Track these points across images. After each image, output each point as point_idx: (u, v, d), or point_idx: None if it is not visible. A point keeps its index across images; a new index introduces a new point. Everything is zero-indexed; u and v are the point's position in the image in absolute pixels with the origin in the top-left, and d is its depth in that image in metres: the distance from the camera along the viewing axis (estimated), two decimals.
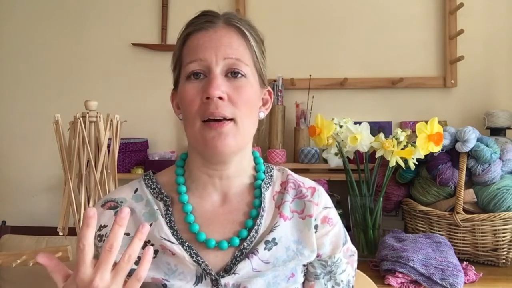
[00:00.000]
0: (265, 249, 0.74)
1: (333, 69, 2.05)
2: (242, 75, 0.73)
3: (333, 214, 0.83)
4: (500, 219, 1.48)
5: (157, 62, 2.08)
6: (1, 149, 2.22)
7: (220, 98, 0.70)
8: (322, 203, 0.81)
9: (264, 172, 0.82)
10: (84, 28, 2.17)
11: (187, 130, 0.75)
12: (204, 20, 0.74)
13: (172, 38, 2.07)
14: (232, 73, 0.72)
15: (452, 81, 2.00)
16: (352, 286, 0.86)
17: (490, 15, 2.02)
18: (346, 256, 0.84)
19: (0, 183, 2.22)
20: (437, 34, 2.03)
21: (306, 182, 0.84)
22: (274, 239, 0.75)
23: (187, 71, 0.73)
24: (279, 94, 1.97)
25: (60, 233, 1.55)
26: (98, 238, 0.76)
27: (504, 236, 1.50)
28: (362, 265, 1.43)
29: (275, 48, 2.01)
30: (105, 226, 0.76)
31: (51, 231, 1.84)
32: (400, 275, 1.34)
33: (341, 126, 1.58)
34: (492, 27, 2.02)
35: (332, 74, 2.04)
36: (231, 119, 0.71)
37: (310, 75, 1.99)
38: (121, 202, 0.78)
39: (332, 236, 0.81)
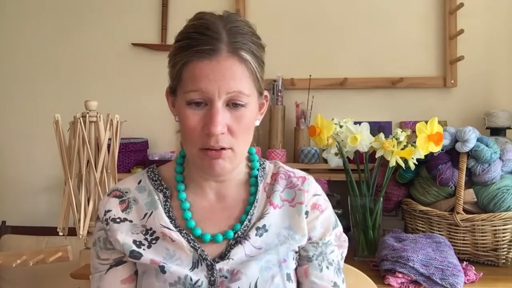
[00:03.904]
0: (256, 235, 0.79)
1: (333, 69, 2.05)
2: (242, 105, 0.74)
3: (322, 201, 0.87)
4: (500, 219, 1.48)
5: (157, 62, 2.07)
6: (1, 149, 2.22)
7: (222, 133, 0.72)
8: (312, 190, 0.86)
9: (257, 169, 0.87)
10: (84, 28, 2.17)
11: (185, 147, 0.79)
12: (207, 47, 0.71)
13: (172, 38, 2.06)
14: (233, 105, 0.74)
15: (452, 81, 2.00)
16: (341, 267, 0.88)
17: (490, 15, 2.02)
18: (337, 240, 0.87)
19: (0, 183, 2.22)
20: (437, 34, 2.03)
21: (297, 172, 0.88)
22: (264, 225, 0.80)
23: (187, 98, 0.73)
24: (279, 94, 1.97)
25: (60, 233, 1.55)
26: (105, 223, 0.80)
27: (504, 236, 1.50)
28: (362, 265, 1.43)
29: (275, 48, 2.01)
30: (109, 211, 0.81)
31: (51, 231, 1.84)
32: (400, 275, 1.34)
33: (341, 126, 1.58)
34: (492, 27, 2.02)
35: (332, 74, 2.04)
36: (230, 148, 0.75)
37: (310, 75, 1.99)
38: (126, 192, 0.83)
39: (323, 220, 0.85)
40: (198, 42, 0.72)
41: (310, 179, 0.87)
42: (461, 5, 1.89)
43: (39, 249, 1.55)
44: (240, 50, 0.73)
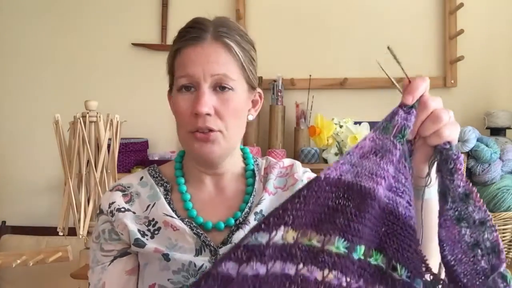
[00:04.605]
0: (255, 219, 0.81)
1: (333, 69, 2.05)
2: (229, 89, 0.77)
3: (314, 175, 0.90)
4: (500, 219, 1.48)
5: (157, 62, 2.06)
6: (1, 149, 2.22)
7: (208, 114, 0.76)
8: (301, 170, 0.90)
9: (252, 164, 0.90)
10: (84, 28, 2.17)
11: (178, 134, 0.82)
12: (193, 35, 0.78)
13: (172, 38, 2.07)
14: (220, 87, 0.77)
15: (452, 81, 2.00)
16: None
17: (490, 15, 2.02)
18: None
19: (0, 183, 2.22)
20: (437, 34, 2.03)
21: (285, 162, 0.92)
22: (261, 210, 0.82)
23: (178, 84, 0.78)
24: (279, 94, 1.97)
25: (60, 233, 1.55)
26: (111, 214, 0.81)
27: (504, 236, 1.50)
28: None
29: (275, 48, 2.01)
30: (113, 202, 0.82)
31: (51, 231, 1.84)
32: None
33: (341, 126, 1.58)
34: (492, 27, 2.02)
35: (332, 74, 2.04)
36: (218, 131, 0.77)
37: (310, 75, 1.99)
38: (129, 187, 0.85)
39: None
40: (186, 33, 0.79)
41: (296, 163, 0.92)
42: (461, 5, 1.89)
43: (39, 249, 1.55)
44: (224, 38, 0.78)
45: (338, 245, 0.52)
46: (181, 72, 0.78)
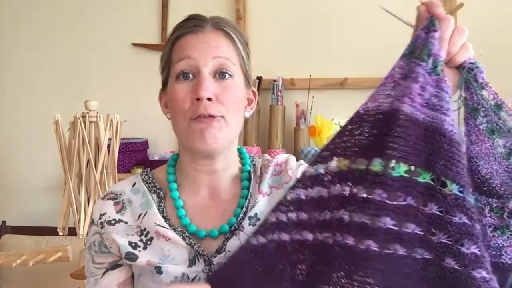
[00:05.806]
0: (249, 224, 0.78)
1: (333, 69, 2.05)
2: (230, 76, 0.76)
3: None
4: None
5: (157, 62, 2.04)
6: (1, 149, 2.22)
7: (209, 99, 0.73)
8: (295, 164, 0.88)
9: (249, 165, 0.87)
10: (84, 28, 2.17)
11: (176, 128, 0.79)
12: (192, 24, 0.77)
13: None
14: (220, 74, 0.75)
15: None
16: None
17: (490, 15, 2.02)
18: None
19: (0, 183, 2.22)
20: None
21: (279, 159, 0.89)
22: (256, 214, 0.79)
23: (176, 70, 0.76)
24: (279, 94, 1.97)
25: (60, 233, 1.55)
26: (101, 226, 0.80)
27: None
28: None
29: (275, 48, 2.01)
30: (104, 214, 0.80)
31: (51, 231, 1.84)
32: None
33: (341, 126, 1.58)
34: (492, 27, 2.02)
35: (332, 74, 2.04)
36: (220, 116, 0.75)
37: (310, 75, 1.99)
38: (120, 194, 0.82)
39: None
40: (185, 24, 0.79)
41: (291, 158, 0.89)
42: (461, 5, 1.88)
43: (39, 249, 1.55)
44: (224, 27, 0.78)
45: (375, 164, 0.56)
46: (179, 56, 0.76)
